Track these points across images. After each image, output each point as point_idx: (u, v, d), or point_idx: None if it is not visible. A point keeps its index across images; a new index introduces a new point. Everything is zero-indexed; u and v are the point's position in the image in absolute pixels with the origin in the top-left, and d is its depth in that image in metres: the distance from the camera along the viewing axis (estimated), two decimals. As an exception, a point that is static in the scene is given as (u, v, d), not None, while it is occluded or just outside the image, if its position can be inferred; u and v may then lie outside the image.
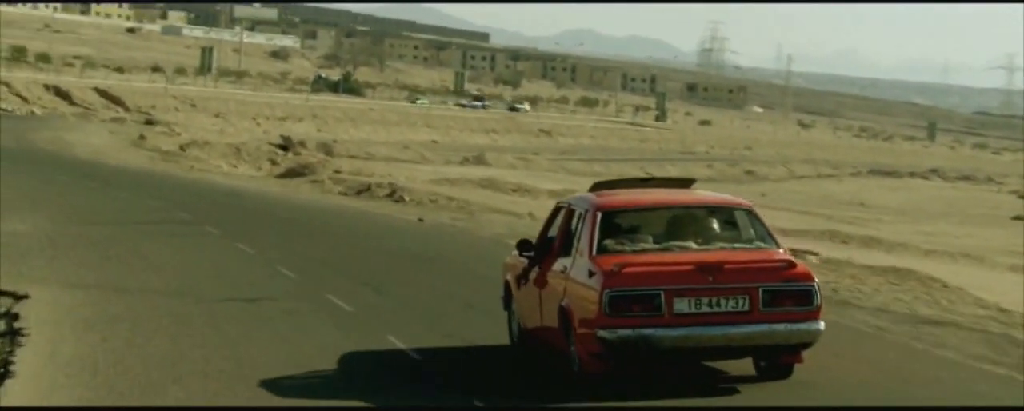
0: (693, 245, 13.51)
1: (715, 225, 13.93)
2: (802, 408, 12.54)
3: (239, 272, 22.58)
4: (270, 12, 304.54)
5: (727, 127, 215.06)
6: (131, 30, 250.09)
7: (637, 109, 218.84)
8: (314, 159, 53.80)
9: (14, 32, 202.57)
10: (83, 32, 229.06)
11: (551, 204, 16.76)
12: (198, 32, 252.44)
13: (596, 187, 15.08)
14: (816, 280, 13.16)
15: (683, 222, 13.87)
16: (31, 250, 24.47)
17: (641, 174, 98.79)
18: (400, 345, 15.54)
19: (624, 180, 15.82)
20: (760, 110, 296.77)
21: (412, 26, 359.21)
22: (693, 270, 12.88)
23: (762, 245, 13.64)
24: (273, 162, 54.18)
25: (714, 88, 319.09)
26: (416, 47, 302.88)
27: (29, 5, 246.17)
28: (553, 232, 14.80)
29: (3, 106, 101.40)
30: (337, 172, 48.41)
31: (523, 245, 15.05)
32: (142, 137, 66.70)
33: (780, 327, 12.94)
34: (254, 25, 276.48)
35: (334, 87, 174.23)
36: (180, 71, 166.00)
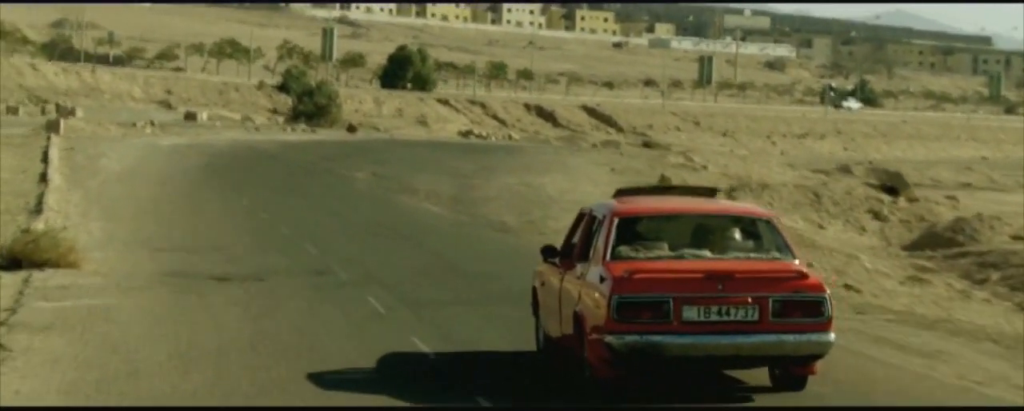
0: (708, 253, 13.23)
1: (733, 234, 13.57)
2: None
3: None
4: (762, 21, 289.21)
5: None
6: (617, 44, 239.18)
7: None
8: (947, 213, 31.76)
9: (496, 51, 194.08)
10: (567, 48, 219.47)
11: None
12: (687, 44, 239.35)
13: (619, 193, 14.96)
14: (827, 291, 12.71)
15: (701, 231, 13.61)
16: None
17: None
18: None
19: (648, 187, 16.37)
20: None
21: (909, 32, 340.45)
22: (703, 278, 12.66)
23: (778, 256, 13.25)
24: (877, 216, 32.04)
25: None
26: (920, 53, 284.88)
27: (514, 23, 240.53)
28: (576, 238, 14.42)
29: (476, 131, 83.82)
30: (1018, 238, 26.55)
31: (547, 251, 14.93)
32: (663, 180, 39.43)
33: (789, 338, 12.61)
34: (746, 35, 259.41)
35: (847, 97, 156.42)
36: (675, 85, 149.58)
